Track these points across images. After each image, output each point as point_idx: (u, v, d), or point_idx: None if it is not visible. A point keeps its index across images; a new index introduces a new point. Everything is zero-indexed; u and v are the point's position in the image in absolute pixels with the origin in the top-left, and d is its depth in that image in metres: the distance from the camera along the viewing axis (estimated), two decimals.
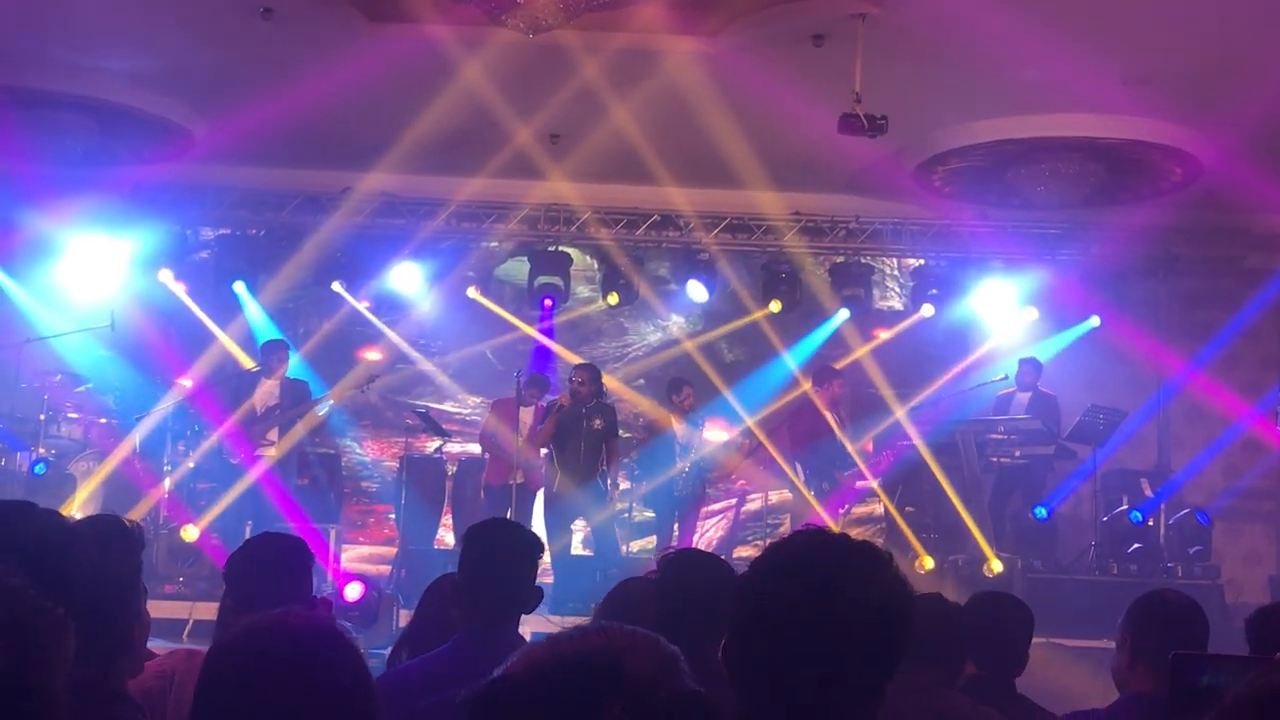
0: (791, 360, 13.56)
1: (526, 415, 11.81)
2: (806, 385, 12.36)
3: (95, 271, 13.03)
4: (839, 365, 13.05)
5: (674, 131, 11.49)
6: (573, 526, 11.83)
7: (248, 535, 10.90)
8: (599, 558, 11.48)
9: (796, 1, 9.56)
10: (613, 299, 13.57)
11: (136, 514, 11.03)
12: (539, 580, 3.90)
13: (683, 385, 12.18)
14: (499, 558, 3.75)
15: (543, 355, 13.79)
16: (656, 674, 1.45)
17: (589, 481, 11.40)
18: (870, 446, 12.55)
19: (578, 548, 12.23)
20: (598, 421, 11.50)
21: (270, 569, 3.67)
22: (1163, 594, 4.04)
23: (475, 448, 12.91)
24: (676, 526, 11.97)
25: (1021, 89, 10.43)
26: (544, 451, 11.76)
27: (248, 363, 12.56)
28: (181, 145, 12.28)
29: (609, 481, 11.65)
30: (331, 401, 11.93)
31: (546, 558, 9.17)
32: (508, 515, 11.33)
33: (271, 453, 11.37)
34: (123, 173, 12.62)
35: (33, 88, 11.12)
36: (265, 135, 11.52)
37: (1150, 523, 11.80)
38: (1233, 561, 12.50)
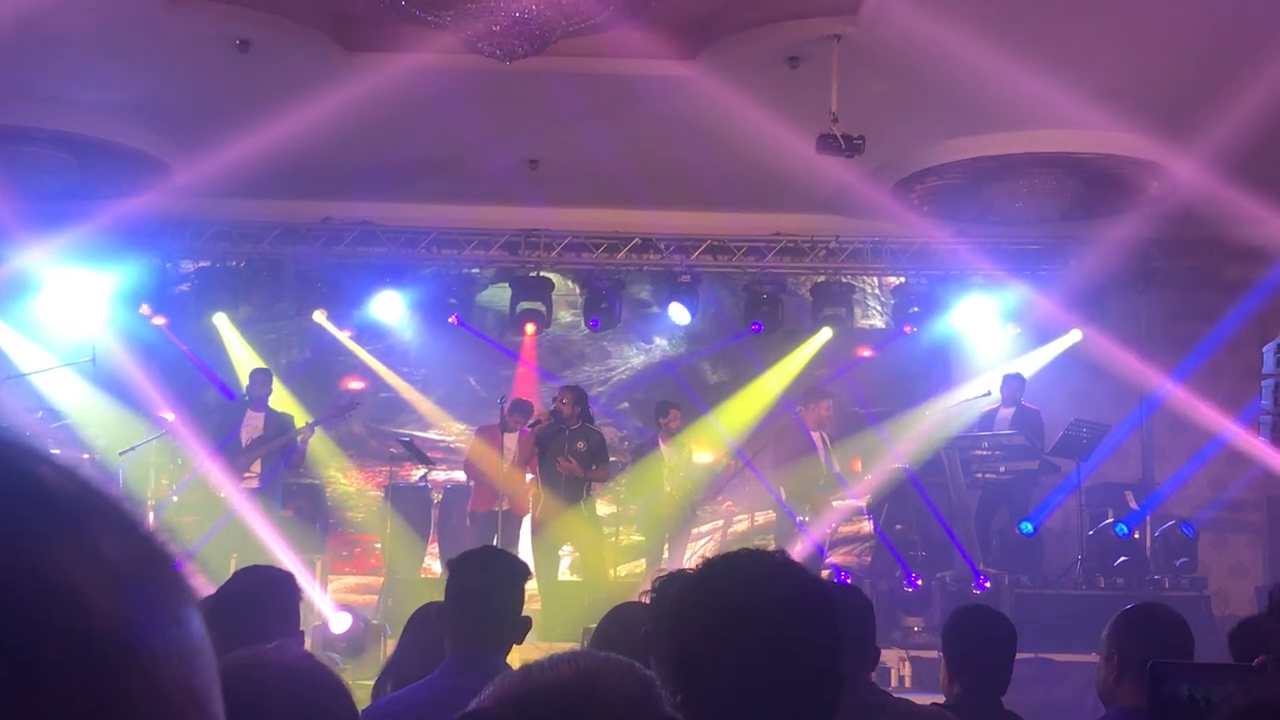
0: (774, 381, 13.57)
1: (511, 441, 11.78)
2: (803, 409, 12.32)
3: (75, 306, 12.99)
4: (825, 383, 13.08)
5: (652, 155, 11.53)
6: (560, 552, 11.80)
7: (233, 568, 10.90)
8: (587, 583, 11.45)
9: (771, 24, 9.61)
10: (594, 323, 13.58)
11: None
12: (527, 607, 3.89)
13: (669, 408, 12.18)
14: (485, 587, 3.74)
15: (526, 382, 13.78)
16: (633, 702, 1.44)
17: (573, 505, 11.37)
18: (859, 466, 12.55)
19: (565, 573, 12.21)
20: (581, 444, 11.47)
21: (256, 604, 3.65)
22: (1147, 607, 4.04)
23: (460, 475, 12.88)
24: (666, 549, 11.94)
25: (996, 106, 10.47)
26: (529, 477, 11.74)
27: (230, 395, 12.52)
28: (159, 178, 12.25)
29: (594, 505, 11.62)
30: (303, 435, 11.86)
31: (534, 584, 9.18)
32: (493, 542, 11.31)
33: (254, 484, 11.33)
34: (101, 207, 12.58)
35: (8, 123, 11.10)
36: (244, 166, 11.49)
37: (1136, 536, 11.82)
38: (1219, 573, 12.52)
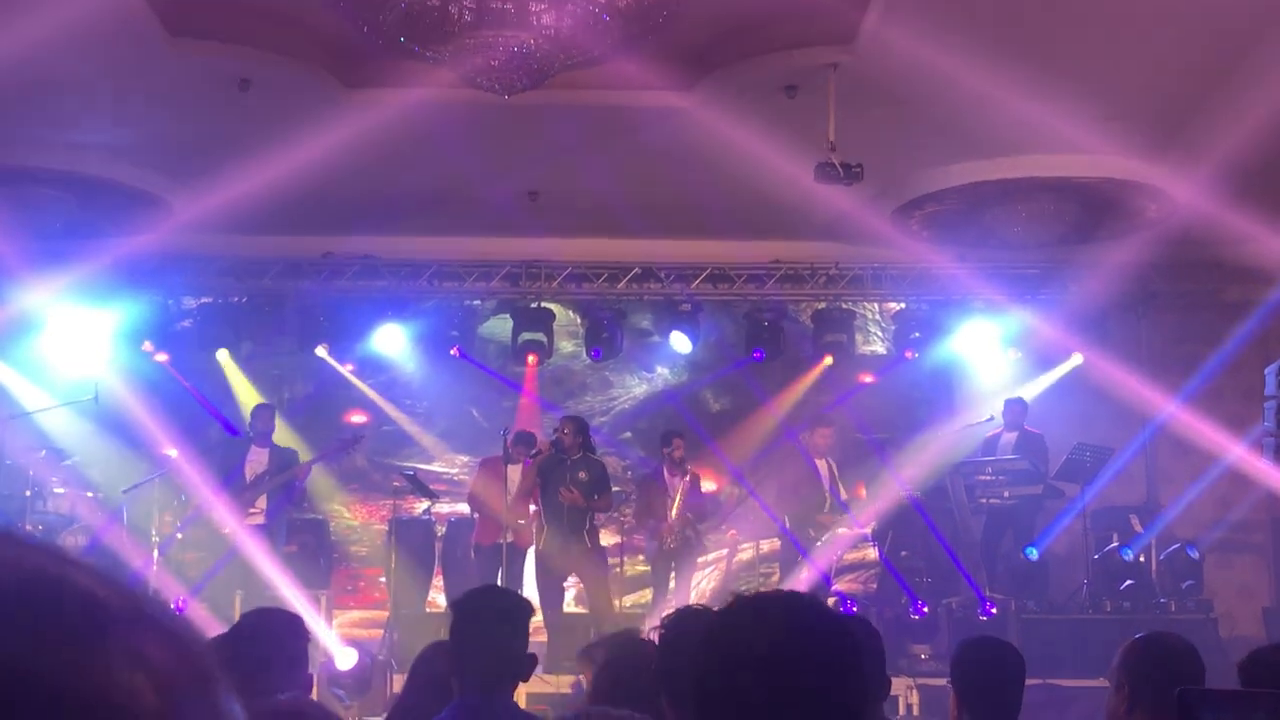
0: (777, 408, 13.58)
1: (514, 473, 11.77)
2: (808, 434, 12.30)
3: (78, 345, 13.02)
4: (827, 409, 13.09)
5: (651, 184, 11.56)
6: (564, 585, 11.77)
7: (238, 605, 10.90)
8: (593, 615, 11.42)
9: (768, 54, 9.65)
10: (595, 353, 13.60)
11: None
12: (532, 639, 3.89)
13: (673, 437, 12.16)
14: (490, 626, 3.74)
15: (529, 412, 13.80)
16: None
17: (576, 536, 11.34)
18: (863, 492, 12.55)
19: (570, 604, 12.18)
20: (583, 474, 11.44)
21: (265, 648, 3.65)
22: (1158, 637, 4.03)
23: (464, 508, 12.87)
24: (673, 578, 11.90)
25: (993, 131, 10.50)
26: (533, 508, 11.73)
27: (233, 431, 12.53)
28: (161, 216, 12.29)
29: (597, 535, 11.60)
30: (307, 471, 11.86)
31: (538, 617, 9.16)
32: (498, 575, 11.30)
33: (259, 520, 11.33)
34: (103, 245, 12.61)
35: (10, 164, 11.15)
36: (245, 203, 11.53)
37: (1141, 559, 11.80)
38: (1226, 595, 12.49)
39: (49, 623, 0.67)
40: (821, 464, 11.96)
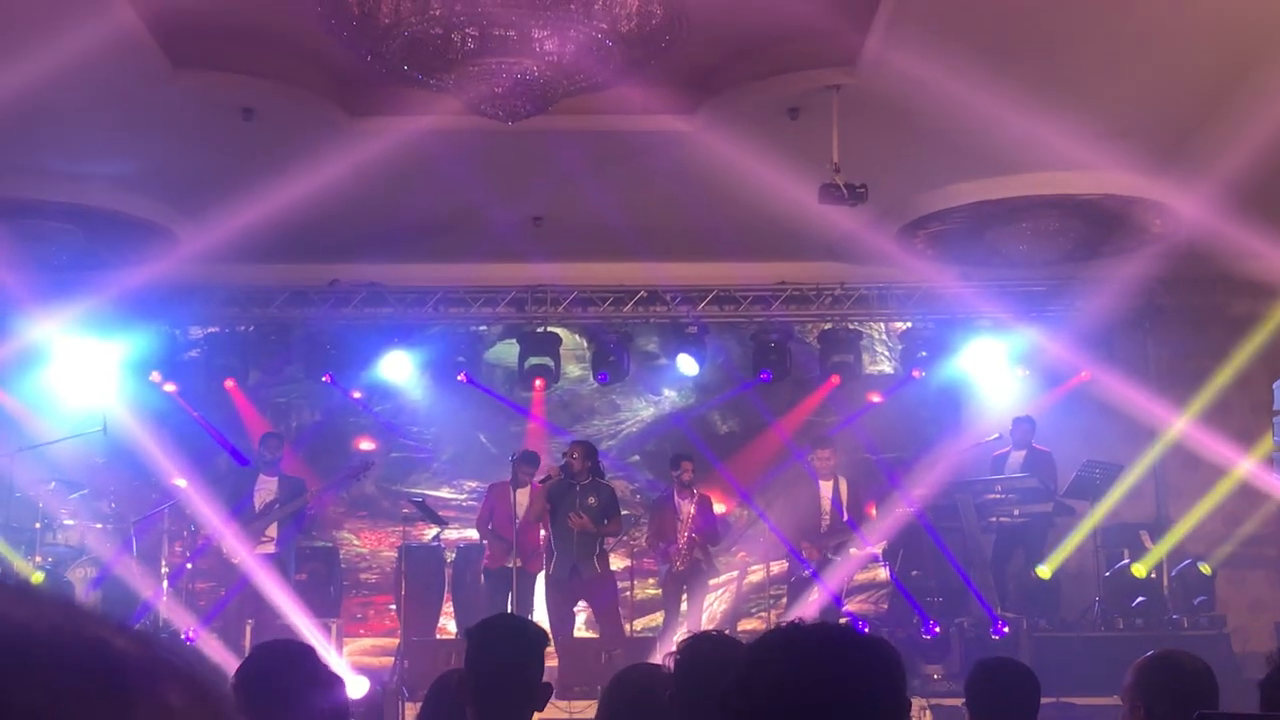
0: (785, 429, 13.56)
1: (522, 496, 11.75)
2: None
3: (86, 376, 13.04)
4: (831, 432, 13.08)
5: (656, 208, 11.59)
6: (575, 609, 11.74)
7: (248, 634, 10.90)
8: (604, 639, 11.40)
9: (770, 77, 9.68)
10: (602, 377, 13.61)
11: (135, 619, 10.97)
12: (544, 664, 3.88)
13: (682, 460, 12.15)
14: (504, 656, 3.73)
15: (537, 437, 13.79)
16: None
17: (586, 561, 11.33)
18: (873, 512, 12.53)
19: (581, 629, 12.16)
20: (592, 499, 11.43)
21: (278, 681, 3.63)
22: (1171, 656, 4.01)
23: (474, 534, 12.85)
24: (684, 601, 11.88)
25: (997, 150, 10.52)
26: (543, 534, 11.71)
27: (242, 460, 12.54)
28: (167, 246, 12.33)
29: (607, 560, 11.59)
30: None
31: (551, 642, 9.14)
32: (508, 599, 11.29)
33: (269, 549, 11.32)
34: (109, 276, 12.65)
35: (15, 196, 11.19)
36: (250, 232, 11.56)
37: (1153, 575, 11.75)
38: (1238, 610, 12.42)
39: (72, 678, 0.68)
40: (827, 484, 11.92)
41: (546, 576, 11.64)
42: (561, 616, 11.30)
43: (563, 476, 11.39)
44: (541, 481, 11.47)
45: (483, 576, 12.04)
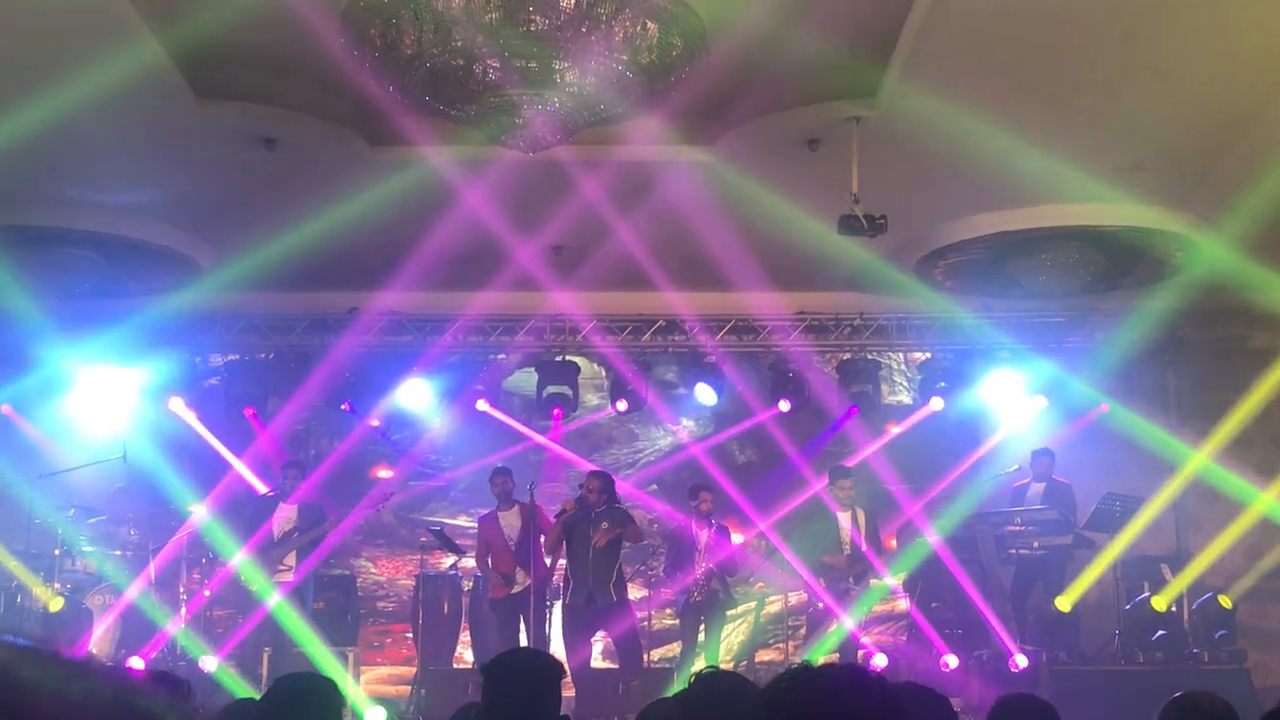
0: (803, 460, 13.53)
1: (510, 517, 11.72)
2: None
3: (106, 403, 13.11)
4: (850, 462, 13.06)
5: (675, 238, 11.60)
6: (593, 639, 11.69)
7: (266, 662, 10.89)
8: (622, 669, 11.35)
9: (790, 109, 9.70)
10: (620, 406, 13.62)
11: (153, 645, 10.99)
12: (562, 694, 3.88)
13: (700, 490, 12.13)
14: (521, 690, 3.73)
15: (555, 465, 13.80)
16: None
17: (602, 590, 11.28)
18: (892, 543, 12.48)
19: (598, 659, 12.11)
20: (605, 524, 11.38)
21: (299, 715, 3.64)
22: (1195, 698, 3.98)
23: None
24: (702, 632, 11.82)
25: (1016, 181, 10.53)
26: (562, 563, 11.68)
27: (261, 488, 12.56)
28: (188, 274, 12.40)
29: (624, 588, 11.52)
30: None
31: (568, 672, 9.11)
32: (519, 627, 11.25)
33: (287, 577, 11.32)
34: (131, 304, 12.73)
35: (40, 225, 11.27)
36: (271, 261, 11.63)
37: (1173, 608, 11.68)
38: (1259, 644, 12.33)
39: None
40: (846, 515, 11.88)
41: (564, 606, 11.60)
42: (578, 646, 11.25)
43: (578, 509, 11.37)
44: (557, 515, 11.46)
45: (489, 607, 11.89)
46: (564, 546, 11.53)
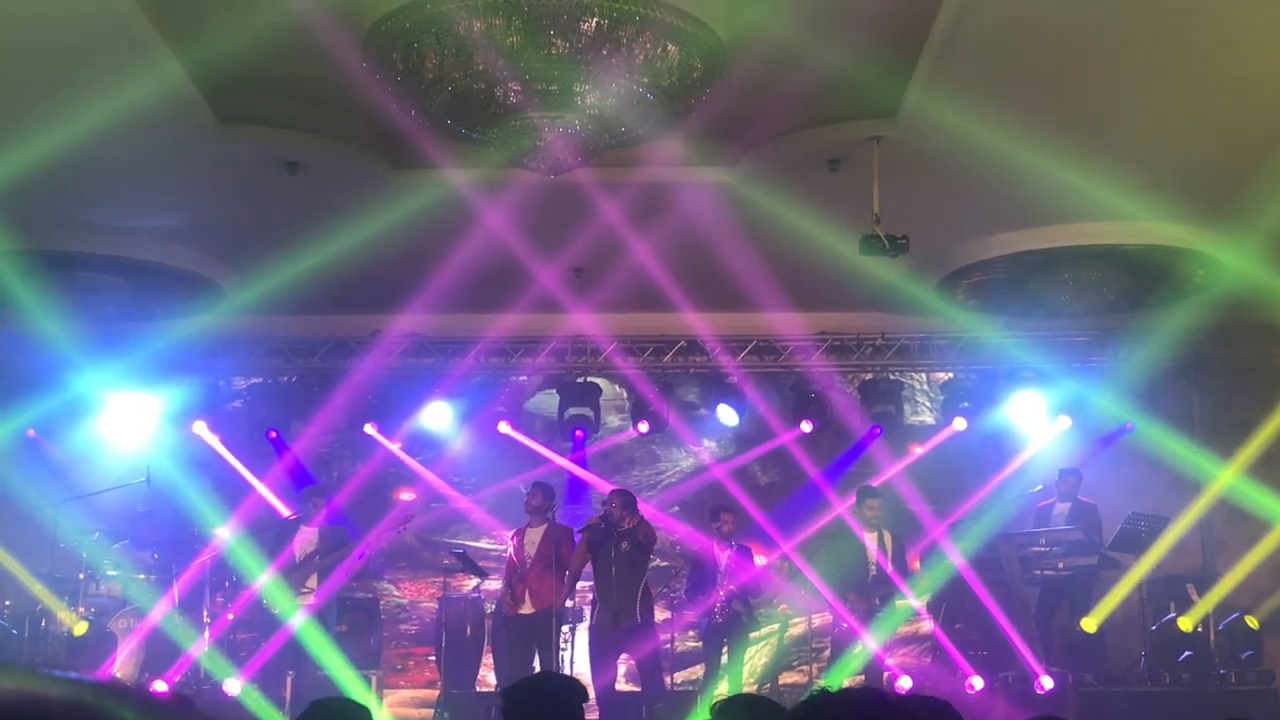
0: (824, 481, 13.50)
1: (535, 535, 11.67)
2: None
3: (130, 427, 13.17)
4: (874, 483, 13.03)
5: (696, 259, 11.61)
6: (618, 661, 11.63)
7: (289, 686, 10.89)
8: (645, 692, 11.30)
9: (811, 129, 9.71)
10: (642, 427, 13.60)
11: (177, 669, 11.01)
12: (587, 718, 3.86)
13: (721, 512, 12.10)
14: (542, 713, 3.72)
15: (577, 487, 13.79)
16: None
17: (628, 609, 11.21)
18: (916, 564, 12.43)
19: (622, 682, 12.06)
20: (625, 545, 11.31)
21: None
22: None
23: None
24: (724, 654, 11.78)
25: (1039, 200, 10.51)
26: (582, 585, 11.65)
27: (284, 511, 12.59)
28: (211, 298, 12.46)
29: (650, 607, 11.45)
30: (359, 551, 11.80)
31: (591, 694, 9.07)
32: (531, 648, 11.18)
33: (310, 600, 11.30)
34: (154, 328, 12.79)
35: (65, 250, 11.34)
36: (294, 284, 11.68)
37: (1199, 629, 11.60)
38: None
39: None
40: (872, 536, 11.83)
41: (590, 626, 11.57)
42: (604, 668, 11.21)
43: (603, 526, 11.31)
44: (582, 531, 11.43)
45: (504, 625, 11.74)
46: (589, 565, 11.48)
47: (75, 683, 0.77)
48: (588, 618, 11.62)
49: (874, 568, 11.69)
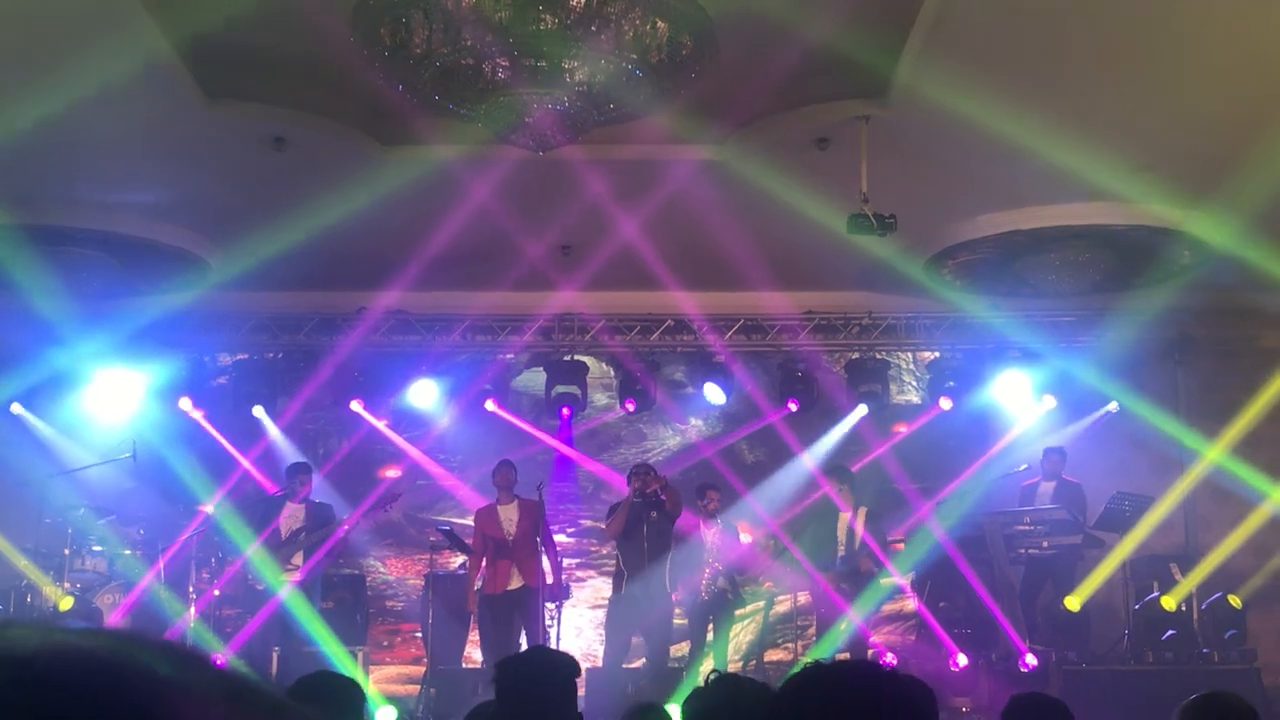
0: (812, 459, 13.53)
1: (510, 511, 11.68)
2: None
3: (116, 403, 13.14)
4: (860, 461, 13.08)
5: (683, 237, 11.60)
6: (634, 639, 11.63)
7: (275, 661, 10.90)
8: (647, 666, 11.39)
9: (800, 108, 9.69)
10: (629, 406, 13.61)
11: None
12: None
13: (708, 490, 12.14)
14: (535, 688, 3.72)
15: (564, 465, 13.79)
16: None
17: (656, 580, 11.31)
18: (901, 545, 12.46)
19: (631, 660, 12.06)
20: (654, 514, 11.44)
21: (323, 714, 3.62)
22: (1216, 699, 3.95)
23: None
24: (710, 631, 11.83)
25: (1025, 181, 10.52)
26: (569, 562, 11.67)
27: (270, 487, 12.58)
28: (197, 273, 12.41)
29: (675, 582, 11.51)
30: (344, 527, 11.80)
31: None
32: (515, 625, 11.23)
33: (296, 577, 11.30)
34: (140, 303, 12.75)
35: (50, 225, 11.27)
36: (280, 259, 11.65)
37: (1183, 608, 11.65)
38: (1269, 644, 12.30)
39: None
40: (844, 516, 11.82)
41: (612, 596, 11.62)
42: (619, 642, 11.29)
43: (641, 500, 11.42)
44: (633, 493, 11.45)
45: (486, 605, 11.73)
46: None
47: (96, 633, 0.78)
48: (614, 588, 11.66)
49: (842, 547, 11.68)
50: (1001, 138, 9.24)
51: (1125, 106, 9.27)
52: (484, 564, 11.62)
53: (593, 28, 7.68)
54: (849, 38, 8.60)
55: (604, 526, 11.91)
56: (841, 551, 11.69)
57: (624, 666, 11.57)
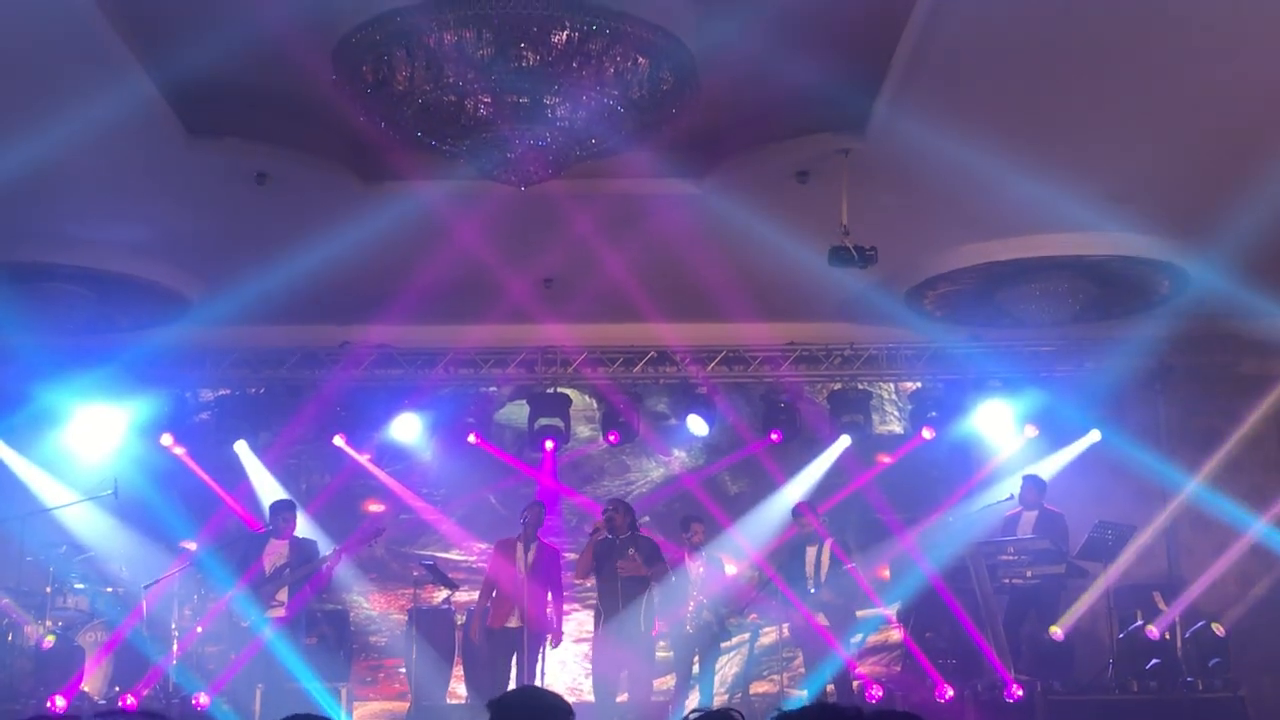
0: (795, 491, 13.52)
1: (526, 553, 11.63)
2: None
3: (97, 439, 13.08)
4: (842, 493, 13.12)
5: (665, 270, 11.64)
6: (620, 675, 11.58)
7: (258, 699, 10.83)
8: (631, 703, 11.34)
9: (780, 142, 9.74)
10: (612, 438, 13.60)
11: (146, 682, 10.94)
12: None
13: (692, 522, 12.13)
14: None
15: (548, 498, 13.78)
16: None
17: (633, 620, 11.26)
18: (885, 573, 12.46)
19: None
20: (632, 550, 11.43)
21: None
22: None
23: None
24: (696, 663, 11.80)
25: (1005, 212, 10.58)
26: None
27: (253, 523, 12.52)
28: (178, 309, 12.39)
29: (650, 621, 11.47)
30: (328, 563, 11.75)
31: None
32: (511, 661, 11.20)
33: (280, 613, 11.25)
34: (122, 340, 12.72)
35: (30, 261, 11.25)
36: (262, 295, 11.64)
37: (1167, 637, 11.66)
38: (1253, 672, 12.30)
39: None
40: (811, 550, 11.76)
41: (595, 637, 11.59)
42: (607, 682, 11.27)
43: (606, 535, 11.43)
44: (591, 535, 11.49)
45: (485, 636, 11.69)
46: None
47: None
48: (594, 627, 11.63)
49: (810, 582, 11.62)
50: (981, 169, 9.31)
51: (1104, 138, 9.34)
52: (494, 598, 11.61)
53: (574, 64, 7.72)
54: (828, 73, 8.66)
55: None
56: (810, 586, 11.61)
57: (617, 701, 11.52)
